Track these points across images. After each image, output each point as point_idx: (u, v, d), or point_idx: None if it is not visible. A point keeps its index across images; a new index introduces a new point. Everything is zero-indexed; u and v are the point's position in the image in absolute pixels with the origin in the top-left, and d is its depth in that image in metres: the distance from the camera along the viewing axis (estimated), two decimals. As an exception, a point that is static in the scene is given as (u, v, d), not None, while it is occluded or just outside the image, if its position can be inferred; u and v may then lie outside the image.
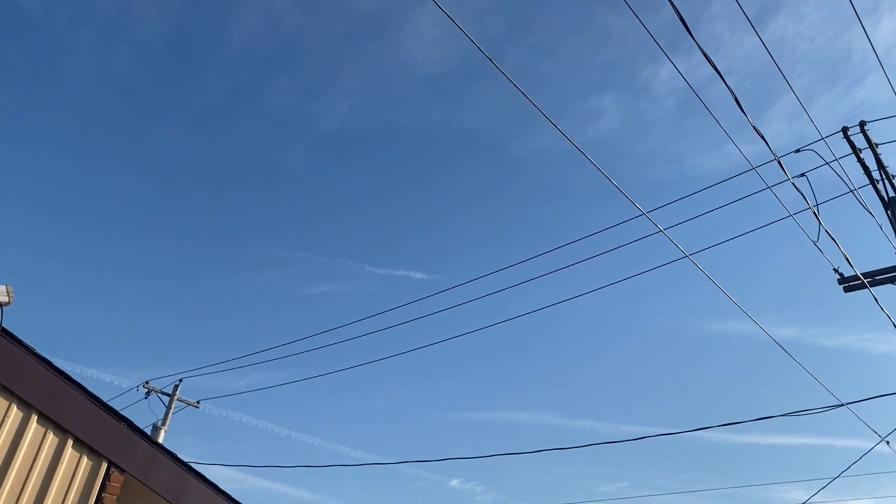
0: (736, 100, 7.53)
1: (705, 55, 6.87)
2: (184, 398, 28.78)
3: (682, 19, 6.38)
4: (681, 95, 50.46)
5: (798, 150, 13.27)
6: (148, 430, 27.91)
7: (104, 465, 5.39)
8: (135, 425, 5.60)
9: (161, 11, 46.63)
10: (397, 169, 55.35)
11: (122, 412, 5.62)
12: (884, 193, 13.97)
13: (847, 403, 9.05)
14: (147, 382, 28.87)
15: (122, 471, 5.45)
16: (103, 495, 5.34)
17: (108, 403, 5.50)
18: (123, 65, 47.58)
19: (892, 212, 14.09)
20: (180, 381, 28.83)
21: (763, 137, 8.84)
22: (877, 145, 14.05)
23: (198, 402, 29.41)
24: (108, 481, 5.39)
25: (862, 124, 13.93)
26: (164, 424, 27.69)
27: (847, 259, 11.18)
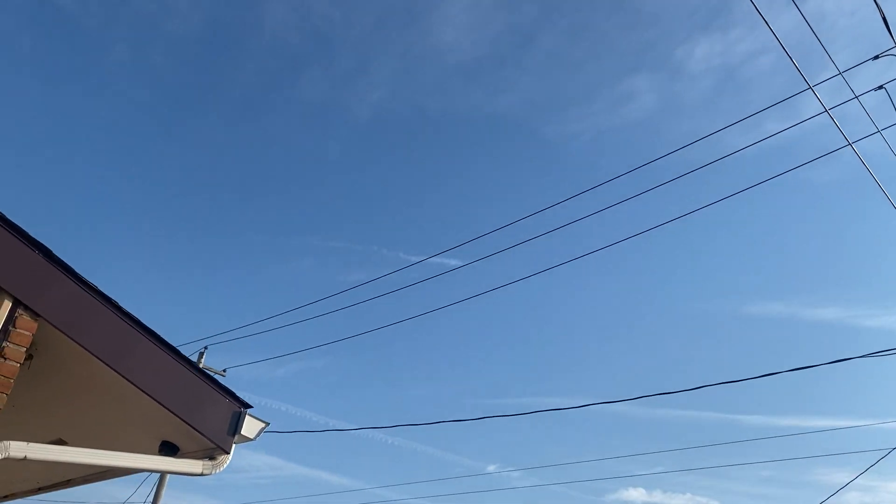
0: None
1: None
2: (210, 367, 27.52)
3: None
4: (717, 75, 47.81)
5: (876, 57, 11.25)
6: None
7: (7, 304, 3.78)
8: (58, 257, 3.98)
9: (195, 5, 46.03)
10: (431, 156, 53.91)
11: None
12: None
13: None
14: (172, 350, 27.51)
15: (35, 315, 3.84)
16: (5, 344, 3.73)
17: (14, 223, 3.88)
18: (160, 60, 47.18)
19: None
20: (205, 347, 27.57)
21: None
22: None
23: (224, 371, 28.15)
24: (13, 326, 3.77)
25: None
26: (189, 393, 26.37)
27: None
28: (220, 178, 53.34)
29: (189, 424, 4.29)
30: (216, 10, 46.61)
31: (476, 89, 50.77)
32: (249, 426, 4.49)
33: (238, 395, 4.55)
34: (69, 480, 5.58)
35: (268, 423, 4.53)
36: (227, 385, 4.55)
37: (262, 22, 47.42)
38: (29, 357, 4.16)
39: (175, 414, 4.23)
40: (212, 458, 4.43)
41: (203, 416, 4.34)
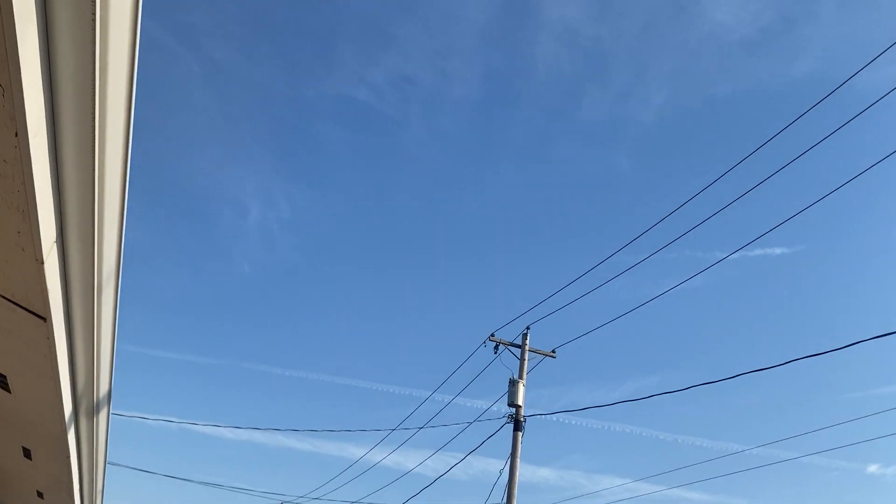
0: None
1: None
2: (536, 348, 23.70)
3: None
4: None
5: None
6: (504, 387, 23.34)
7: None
8: None
9: (469, 65, 47.99)
10: (727, 143, 47.02)
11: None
12: None
13: None
14: (493, 335, 24.29)
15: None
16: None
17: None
18: (448, 123, 49.73)
19: None
20: (528, 328, 23.90)
21: None
22: None
23: (553, 352, 24.11)
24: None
25: None
26: (521, 378, 22.79)
27: None
28: (519, 215, 52.62)
29: None
30: (491, 63, 48.01)
31: (767, 60, 44.01)
32: None
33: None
34: None
35: None
36: None
37: (534, 60, 47.22)
38: None
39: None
40: None
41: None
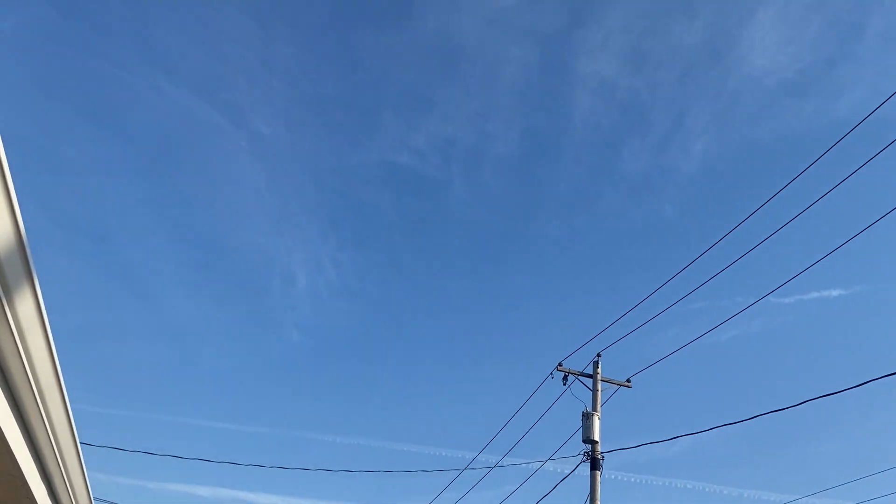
0: None
1: None
2: (609, 378, 20.86)
3: None
4: None
5: None
6: (578, 421, 20.53)
7: None
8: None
9: (509, 124, 48.92)
10: (772, 186, 45.04)
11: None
12: None
13: None
14: (560, 364, 21.59)
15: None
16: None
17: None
18: (490, 182, 50.17)
19: None
20: (598, 355, 21.13)
21: None
22: None
23: (628, 381, 21.18)
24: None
25: None
26: (595, 410, 19.87)
27: None
28: (563, 267, 51.33)
29: None
30: (528, 120, 48.70)
31: (808, 101, 43.64)
32: None
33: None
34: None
35: None
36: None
37: (571, 116, 47.55)
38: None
39: None
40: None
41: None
